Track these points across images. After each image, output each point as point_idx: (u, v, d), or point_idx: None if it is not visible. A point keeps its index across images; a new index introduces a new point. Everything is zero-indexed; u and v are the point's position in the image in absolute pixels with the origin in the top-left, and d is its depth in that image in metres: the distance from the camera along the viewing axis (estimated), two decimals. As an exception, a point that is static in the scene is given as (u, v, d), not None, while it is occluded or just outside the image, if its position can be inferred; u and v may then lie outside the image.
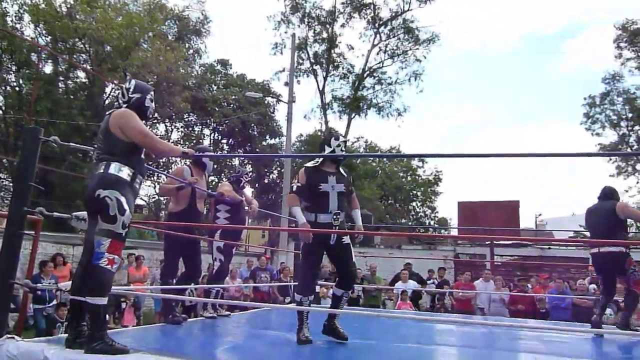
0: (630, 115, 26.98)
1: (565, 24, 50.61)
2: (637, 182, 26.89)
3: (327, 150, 4.32)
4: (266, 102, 26.63)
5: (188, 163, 5.21)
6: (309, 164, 4.35)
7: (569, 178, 59.90)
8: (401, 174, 34.56)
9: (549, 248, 15.59)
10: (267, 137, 27.90)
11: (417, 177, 34.57)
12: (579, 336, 5.48)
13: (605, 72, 27.75)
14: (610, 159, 26.74)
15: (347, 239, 4.27)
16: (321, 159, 4.33)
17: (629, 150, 26.10)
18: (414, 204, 35.00)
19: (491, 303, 9.97)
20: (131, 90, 3.47)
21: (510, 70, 55.81)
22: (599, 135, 27.56)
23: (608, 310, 9.81)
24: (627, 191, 26.74)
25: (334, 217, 4.18)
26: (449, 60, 50.74)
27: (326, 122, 24.72)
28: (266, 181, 29.03)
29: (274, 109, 27.41)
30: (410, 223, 32.56)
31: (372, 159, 33.23)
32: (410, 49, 24.06)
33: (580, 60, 50.83)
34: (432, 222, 33.14)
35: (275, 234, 23.63)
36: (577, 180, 58.86)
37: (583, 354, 4.58)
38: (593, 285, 10.27)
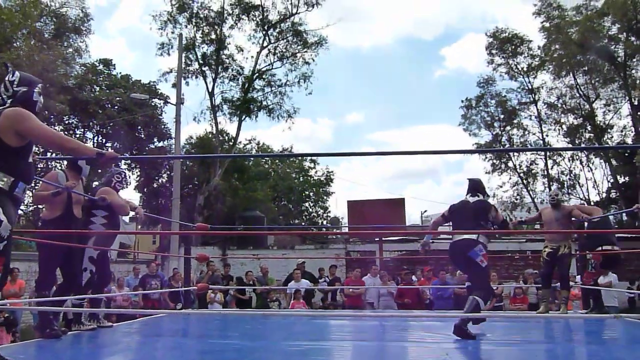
0: (502, 116, 29.14)
1: (442, 32, 53.70)
2: (510, 179, 29.09)
3: None
4: (153, 103, 25.77)
5: (63, 167, 4.93)
6: None
7: (451, 176, 63.64)
8: (293, 175, 34.90)
9: (433, 242, 16.41)
10: (155, 140, 27.03)
11: (309, 177, 35.07)
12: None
13: (479, 76, 29.78)
14: (485, 157, 28.70)
15: None
16: None
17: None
18: (306, 204, 35.48)
19: (380, 297, 10.36)
20: (16, 82, 3.16)
21: (395, 73, 58.32)
22: (475, 135, 29.50)
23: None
24: (500, 187, 28.84)
25: None
26: (337, 61, 52.02)
27: (216, 124, 24.38)
28: (155, 185, 28.12)
29: (161, 111, 26.61)
30: (303, 223, 32.96)
31: (264, 160, 33.23)
32: (299, 52, 24.36)
33: (457, 64, 54.15)
34: (324, 222, 33.76)
35: (166, 240, 22.96)
36: (459, 177, 62.61)
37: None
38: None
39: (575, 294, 9.37)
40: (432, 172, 62.58)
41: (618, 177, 26.66)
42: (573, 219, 6.69)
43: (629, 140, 26.38)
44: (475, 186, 5.44)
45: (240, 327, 5.83)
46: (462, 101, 29.51)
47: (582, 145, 29.08)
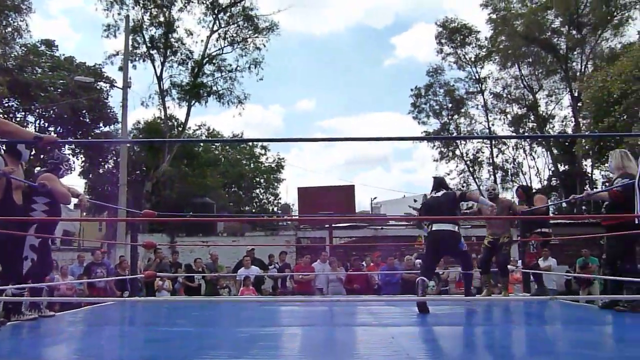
0: (450, 105, 29.77)
1: (393, 21, 54.03)
2: (457, 166, 29.82)
3: None
4: (99, 87, 24.99)
5: (1, 152, 4.73)
6: None
7: (401, 164, 64.57)
8: (244, 162, 34.65)
9: (382, 228, 16.68)
10: (101, 125, 26.26)
11: (260, 164, 34.89)
12: (408, 307, 5.91)
13: (428, 65, 30.29)
14: (434, 145, 29.33)
15: None
16: None
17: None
18: (257, 191, 35.33)
19: (329, 283, 10.48)
20: None
21: (346, 61, 58.38)
22: (424, 123, 30.06)
23: (431, 283, 10.88)
24: (448, 174, 29.53)
25: None
26: (289, 48, 51.69)
27: (165, 109, 23.88)
28: (101, 171, 27.39)
29: (107, 94, 25.84)
30: (253, 210, 32.83)
31: (214, 146, 32.82)
32: (250, 37, 24.09)
33: (407, 53, 54.67)
34: (275, 209, 33.72)
35: (113, 227, 22.42)
36: (408, 165, 63.59)
37: (410, 322, 5.03)
38: (419, 261, 11.23)
39: (517, 278, 9.73)
40: (382, 159, 63.31)
41: (559, 165, 27.74)
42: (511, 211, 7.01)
43: (569, 130, 27.45)
44: (440, 182, 6.18)
45: (188, 315, 5.80)
46: (412, 90, 30.00)
47: (526, 134, 30.06)
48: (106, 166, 27.31)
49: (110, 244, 15.81)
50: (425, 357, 3.37)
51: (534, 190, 27.28)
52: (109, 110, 25.77)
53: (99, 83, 24.23)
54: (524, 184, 27.23)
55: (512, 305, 6.51)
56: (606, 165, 18.36)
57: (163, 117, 24.58)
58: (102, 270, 10.01)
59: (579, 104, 23.19)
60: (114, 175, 23.17)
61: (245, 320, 5.40)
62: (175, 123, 27.39)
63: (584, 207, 22.64)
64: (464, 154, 29.35)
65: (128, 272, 9.77)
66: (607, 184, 5.26)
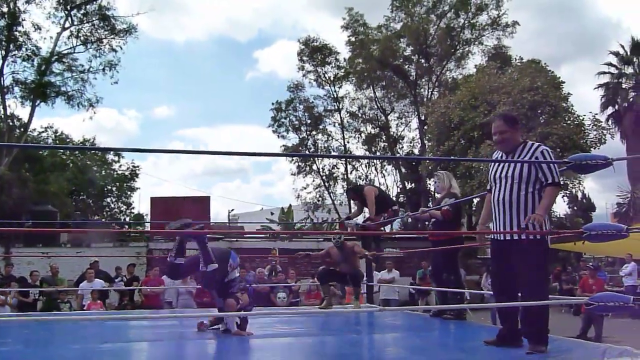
0: (309, 121, 30.65)
1: (256, 35, 54.52)
2: (313, 181, 30.69)
3: None
4: None
5: None
6: None
7: (260, 176, 64.96)
8: (95, 168, 32.65)
9: (237, 240, 16.69)
10: None
11: (112, 171, 33.10)
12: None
13: (289, 81, 30.97)
14: (292, 160, 29.96)
15: None
16: None
17: (307, 152, 29.64)
18: (108, 199, 33.46)
19: (179, 296, 10.26)
20: None
21: (207, 71, 57.85)
22: (284, 137, 30.60)
23: (282, 294, 11.12)
24: (304, 188, 30.27)
25: None
26: (147, 53, 50.00)
27: (4, 107, 21.86)
28: None
29: None
30: (104, 220, 31.04)
31: (61, 151, 30.59)
32: (106, 38, 22.90)
33: (269, 68, 55.41)
34: (127, 219, 32.18)
35: None
36: (267, 177, 64.23)
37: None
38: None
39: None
40: (241, 171, 63.20)
41: (406, 183, 29.72)
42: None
43: (416, 151, 29.57)
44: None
45: (21, 333, 5.38)
46: (273, 104, 30.43)
47: (378, 154, 31.79)
48: None
49: None
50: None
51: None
52: None
53: None
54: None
55: (348, 315, 6.83)
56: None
57: (3, 116, 22.47)
58: None
59: (425, 127, 25.12)
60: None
61: (84, 337, 5.13)
62: (18, 123, 25.17)
63: (427, 223, 24.43)
64: (321, 169, 30.31)
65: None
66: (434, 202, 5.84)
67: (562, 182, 3.41)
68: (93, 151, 32.06)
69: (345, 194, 7.67)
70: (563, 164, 3.70)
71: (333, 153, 31.42)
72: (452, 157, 19.06)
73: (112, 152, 31.12)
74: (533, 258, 3.66)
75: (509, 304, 3.76)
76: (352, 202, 8.02)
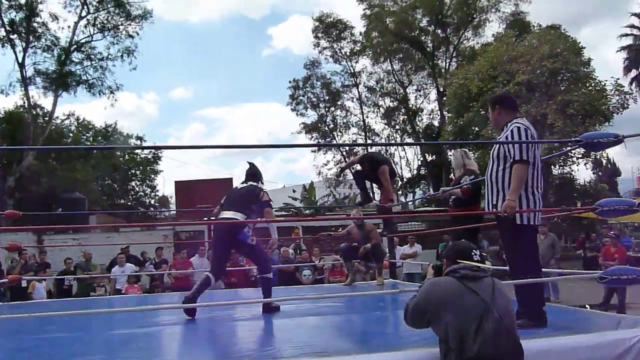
0: (327, 97, 30.67)
1: (269, 12, 54.23)
2: (333, 157, 30.81)
3: None
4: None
5: None
6: None
7: (281, 153, 65.16)
8: (118, 153, 33.18)
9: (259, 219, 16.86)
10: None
11: (135, 155, 33.62)
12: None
13: (306, 58, 30.94)
14: (312, 137, 30.10)
15: None
16: None
17: (326, 128, 29.73)
18: (133, 183, 34.06)
19: (208, 277, 10.52)
20: None
21: (223, 50, 57.98)
22: (303, 115, 30.73)
23: (307, 272, 11.35)
24: (325, 164, 30.45)
25: None
26: (163, 36, 50.20)
27: (28, 98, 22.29)
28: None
29: (-41, 81, 23.57)
30: (130, 203, 31.65)
31: (85, 137, 31.09)
32: (122, 24, 23.11)
33: (284, 44, 55.19)
34: (152, 201, 32.75)
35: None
36: (287, 155, 64.39)
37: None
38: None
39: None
40: (263, 149, 63.43)
41: (427, 155, 29.66)
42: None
43: (436, 123, 29.43)
44: (253, 173, 5.67)
45: (59, 319, 5.63)
46: (290, 82, 30.48)
47: (397, 128, 31.67)
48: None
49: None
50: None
51: (405, 179, 29.11)
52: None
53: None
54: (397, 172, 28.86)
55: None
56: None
57: (26, 106, 22.93)
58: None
59: (444, 99, 24.97)
60: None
61: (121, 322, 5.35)
62: (41, 112, 25.65)
63: (448, 200, 24.41)
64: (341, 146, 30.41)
65: (-11, 276, 9.19)
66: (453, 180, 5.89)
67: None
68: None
69: (359, 162, 7.14)
70: (575, 143, 3.77)
71: (352, 128, 31.38)
72: (458, 141, 19.00)
73: (134, 136, 31.52)
74: (509, 238, 3.76)
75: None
76: (355, 177, 7.90)
